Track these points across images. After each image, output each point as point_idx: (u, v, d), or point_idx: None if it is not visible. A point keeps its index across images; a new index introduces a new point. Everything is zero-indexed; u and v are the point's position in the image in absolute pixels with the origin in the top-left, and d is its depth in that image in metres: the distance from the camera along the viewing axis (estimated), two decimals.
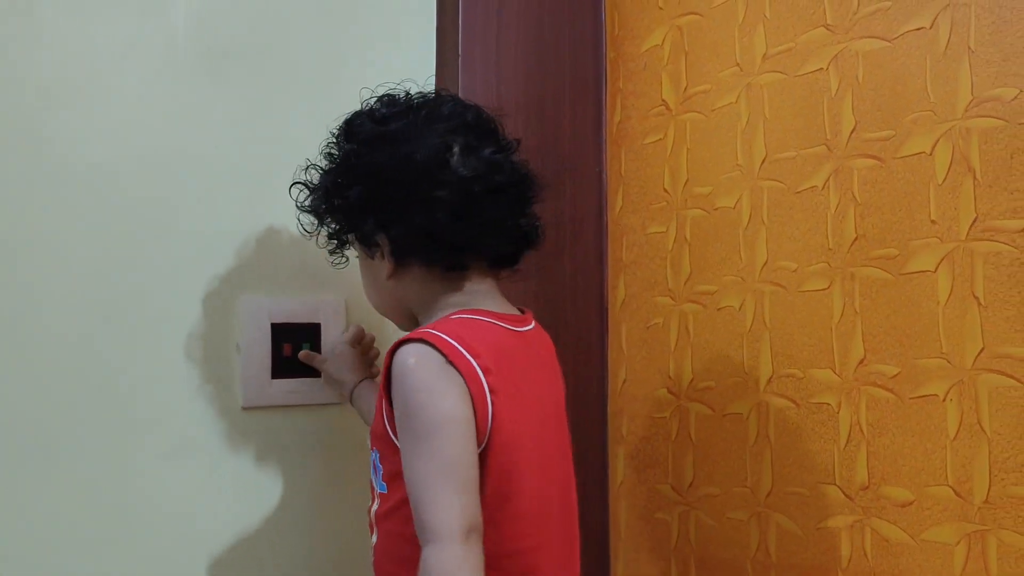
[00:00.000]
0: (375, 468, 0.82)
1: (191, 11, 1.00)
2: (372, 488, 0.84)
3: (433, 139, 0.80)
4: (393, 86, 0.87)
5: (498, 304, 0.85)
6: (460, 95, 1.15)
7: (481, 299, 0.84)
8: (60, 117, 0.92)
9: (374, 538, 0.83)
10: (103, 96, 0.95)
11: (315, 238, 0.88)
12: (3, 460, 0.89)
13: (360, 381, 1.00)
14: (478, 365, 0.76)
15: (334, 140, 0.86)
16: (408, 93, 0.87)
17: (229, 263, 1.01)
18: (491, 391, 0.76)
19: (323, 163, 0.87)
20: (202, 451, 0.98)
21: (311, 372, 1.05)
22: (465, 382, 0.75)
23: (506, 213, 0.82)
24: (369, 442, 0.84)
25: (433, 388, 0.75)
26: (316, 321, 1.06)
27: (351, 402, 0.99)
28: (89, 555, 0.92)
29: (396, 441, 0.77)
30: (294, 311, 1.05)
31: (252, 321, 1.02)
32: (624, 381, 1.23)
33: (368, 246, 0.84)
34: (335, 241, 0.88)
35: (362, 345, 1.03)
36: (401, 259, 0.83)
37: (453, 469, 0.73)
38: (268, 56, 1.05)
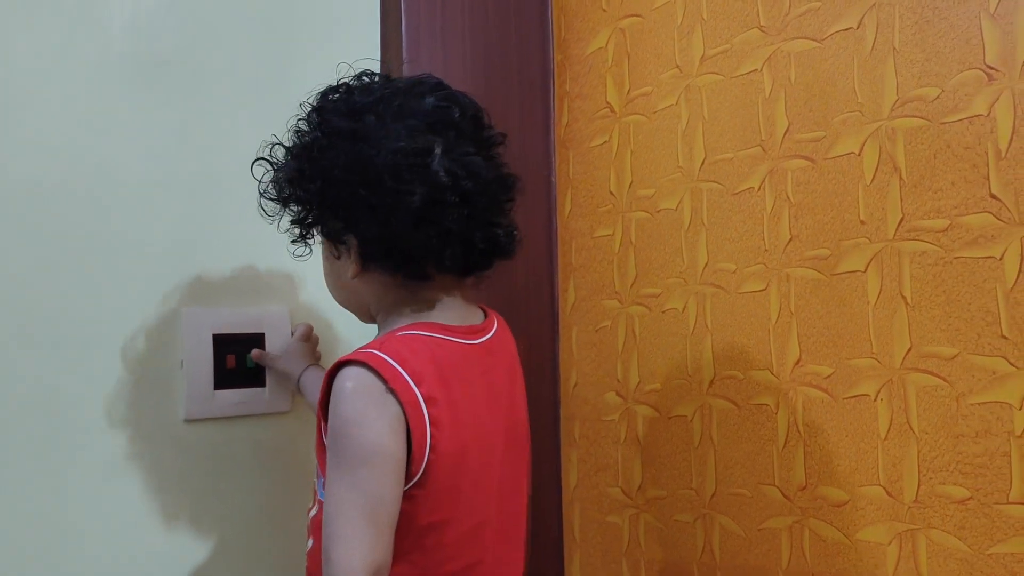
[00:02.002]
0: (318, 474, 0.81)
1: (127, 19, 0.99)
2: (315, 492, 0.83)
3: (403, 140, 0.75)
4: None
5: (458, 315, 0.82)
6: None
7: (440, 310, 0.81)
8: None
9: (309, 543, 0.82)
10: (33, 107, 0.94)
11: (277, 225, 0.83)
12: None
13: (307, 367, 1.01)
14: (421, 394, 0.73)
15: (304, 118, 0.81)
16: (388, 77, 0.82)
17: (169, 276, 1.01)
18: (432, 423, 0.73)
19: (289, 141, 0.81)
20: (142, 465, 0.98)
21: (255, 382, 1.05)
22: (404, 411, 0.72)
23: (474, 223, 0.77)
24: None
25: (365, 419, 0.72)
26: (260, 331, 1.06)
27: (299, 389, 1.01)
28: (25, 571, 0.91)
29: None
30: (237, 322, 1.05)
31: (194, 333, 1.02)
32: (575, 384, 1.23)
33: (335, 243, 0.81)
34: (299, 231, 0.82)
35: (310, 341, 1.05)
36: (365, 263, 0.79)
37: (371, 506, 0.71)
38: (207, 65, 1.04)
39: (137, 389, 0.98)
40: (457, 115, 0.78)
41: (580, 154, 1.22)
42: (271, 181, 0.82)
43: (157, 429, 0.99)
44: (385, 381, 0.72)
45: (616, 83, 1.16)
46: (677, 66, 1.07)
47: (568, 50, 1.25)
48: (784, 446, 0.93)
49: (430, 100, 0.78)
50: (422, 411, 0.73)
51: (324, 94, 0.81)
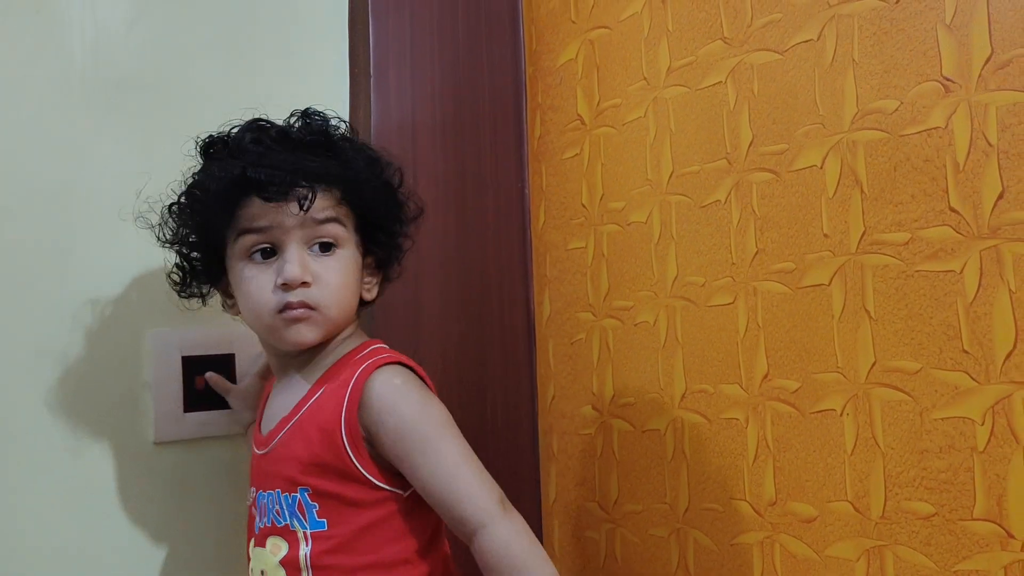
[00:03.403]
0: (302, 507, 0.79)
1: (88, 41, 0.99)
2: (284, 533, 0.80)
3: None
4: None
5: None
6: (374, 118, 1.14)
7: (359, 336, 0.89)
8: None
9: None
10: None
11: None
12: None
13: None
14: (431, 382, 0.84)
15: None
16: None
17: (134, 298, 1.00)
18: None
19: None
20: (111, 488, 0.98)
21: (225, 403, 1.04)
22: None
23: None
24: (268, 487, 0.82)
25: (427, 396, 0.81)
26: (229, 352, 1.06)
27: (247, 435, 0.99)
28: None
29: (365, 473, 0.78)
30: (205, 343, 1.04)
31: (162, 355, 1.02)
32: (553, 398, 1.22)
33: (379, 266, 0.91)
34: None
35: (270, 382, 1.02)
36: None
37: (468, 454, 0.78)
38: (170, 85, 1.04)
39: (104, 412, 0.98)
40: None
41: (553, 166, 1.22)
42: None
43: (126, 452, 0.99)
44: (420, 376, 0.83)
45: (586, 95, 1.16)
46: (644, 78, 1.07)
47: (539, 62, 1.25)
48: (754, 461, 0.92)
49: None
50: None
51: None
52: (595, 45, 1.14)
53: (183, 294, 0.89)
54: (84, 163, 0.98)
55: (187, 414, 1.02)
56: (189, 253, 0.87)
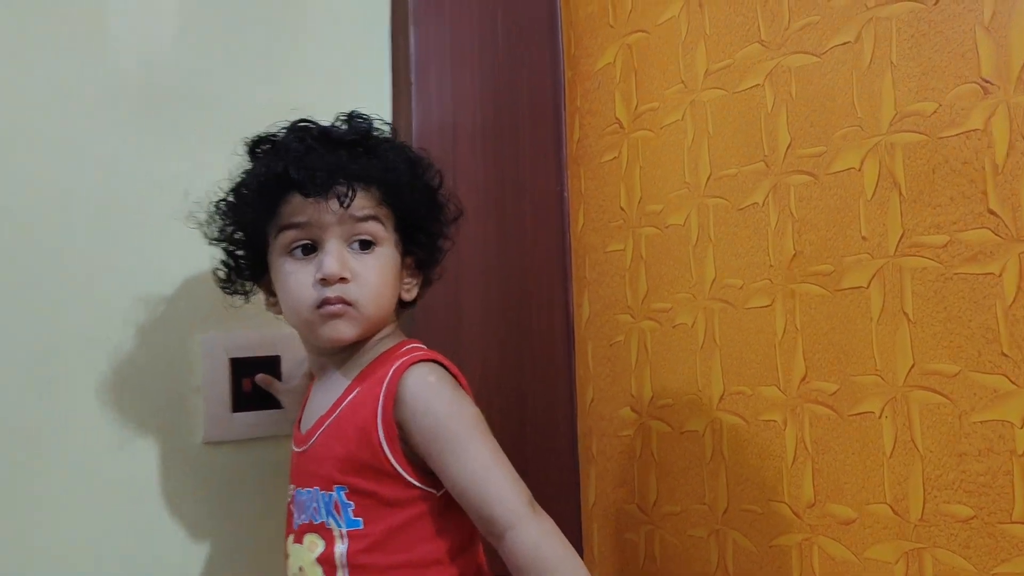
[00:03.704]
0: (338, 506, 0.81)
1: (135, 52, 1.02)
2: (320, 531, 0.82)
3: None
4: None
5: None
6: (415, 123, 1.16)
7: (396, 335, 0.90)
8: (2, 165, 0.95)
9: None
10: (47, 142, 0.97)
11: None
12: None
13: None
14: (465, 382, 0.85)
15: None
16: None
17: (184, 303, 1.03)
18: None
19: None
20: (162, 487, 1.01)
21: (272, 404, 1.07)
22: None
23: None
24: (307, 484, 0.84)
25: (460, 396, 0.82)
26: (275, 354, 1.09)
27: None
28: None
29: (400, 471, 0.79)
30: (252, 345, 1.07)
31: (211, 357, 1.05)
32: (592, 400, 1.23)
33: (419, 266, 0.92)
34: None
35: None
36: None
37: (499, 456, 0.79)
38: (216, 94, 1.07)
39: (156, 413, 1.01)
40: None
41: (591, 169, 1.23)
42: None
43: (176, 451, 1.02)
44: (453, 374, 0.83)
45: (624, 99, 1.17)
46: (682, 81, 1.07)
47: (578, 66, 1.26)
48: (793, 462, 0.93)
49: None
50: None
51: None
52: (633, 49, 1.15)
53: (227, 290, 0.92)
54: (134, 172, 1.01)
55: (235, 415, 1.05)
56: (234, 250, 0.90)
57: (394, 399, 0.79)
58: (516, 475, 0.79)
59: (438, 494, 0.81)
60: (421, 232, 0.89)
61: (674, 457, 1.08)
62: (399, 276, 0.88)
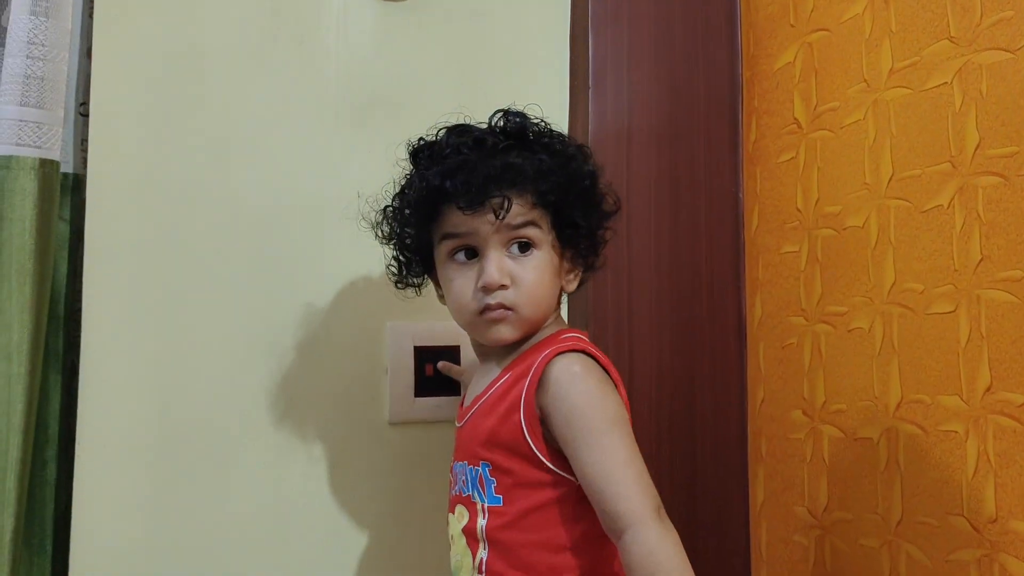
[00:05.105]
0: (482, 481, 0.86)
1: (341, 67, 1.13)
2: (467, 503, 0.87)
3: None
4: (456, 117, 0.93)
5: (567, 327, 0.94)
6: (591, 125, 1.20)
7: (555, 324, 0.93)
8: (226, 172, 1.08)
9: (482, 554, 0.85)
10: (263, 147, 1.09)
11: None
12: (190, 468, 1.05)
13: None
14: (618, 374, 0.86)
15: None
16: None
17: (376, 294, 1.13)
18: (625, 401, 0.85)
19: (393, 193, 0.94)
20: (352, 461, 1.11)
21: (451, 390, 1.14)
22: (616, 389, 0.85)
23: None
24: (460, 459, 0.90)
25: (604, 389, 0.82)
26: (456, 344, 1.16)
27: None
28: (248, 552, 1.06)
29: (537, 453, 0.82)
30: (435, 335, 1.15)
31: (398, 344, 1.13)
32: (762, 401, 1.22)
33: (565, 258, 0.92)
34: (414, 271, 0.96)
35: None
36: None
37: (634, 456, 0.79)
38: (410, 103, 1.16)
39: (348, 394, 1.11)
40: None
41: (767, 170, 1.22)
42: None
43: (365, 430, 1.12)
44: (602, 366, 0.84)
45: (803, 99, 1.15)
46: (864, 80, 1.05)
47: (757, 66, 1.25)
48: (973, 475, 0.89)
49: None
50: (623, 390, 0.86)
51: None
52: (814, 48, 1.13)
53: (399, 286, 0.97)
54: (337, 176, 1.12)
55: (417, 398, 1.13)
56: (403, 250, 0.95)
57: (538, 384, 0.82)
58: (648, 479, 0.79)
59: (575, 481, 0.83)
60: (579, 227, 0.91)
61: (846, 463, 1.06)
62: (559, 273, 0.90)
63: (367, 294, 1.12)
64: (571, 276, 0.93)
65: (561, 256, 0.91)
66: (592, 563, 0.84)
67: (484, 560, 0.85)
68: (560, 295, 0.93)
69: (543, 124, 0.91)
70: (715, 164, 1.27)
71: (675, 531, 0.77)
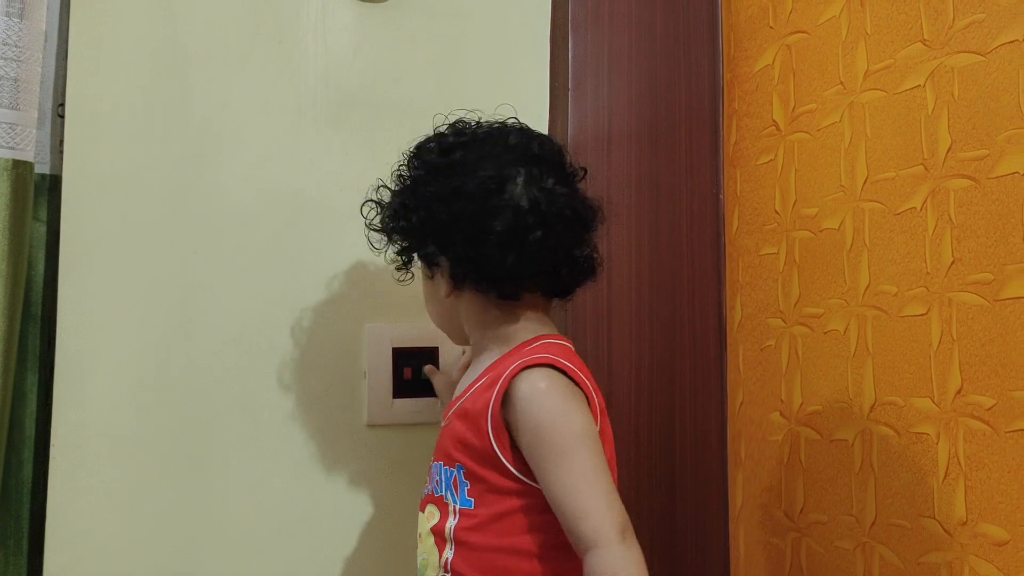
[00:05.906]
0: (456, 483, 0.87)
1: (319, 65, 1.13)
2: (439, 503, 0.88)
3: (490, 170, 0.84)
4: (465, 113, 0.93)
5: (552, 331, 0.91)
6: (571, 129, 1.20)
7: (536, 327, 0.89)
8: (204, 172, 1.08)
9: (448, 554, 0.86)
10: (242, 147, 1.09)
11: (383, 255, 0.95)
12: (166, 469, 1.05)
13: None
14: (590, 386, 0.84)
15: (404, 163, 0.92)
16: (479, 122, 0.92)
17: (355, 294, 1.13)
18: (600, 411, 0.84)
19: (393, 184, 0.93)
20: (329, 464, 1.11)
21: (429, 392, 1.14)
22: (587, 401, 0.83)
23: (559, 245, 0.85)
24: (438, 459, 0.90)
25: (570, 405, 0.81)
26: (434, 345, 1.16)
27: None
28: (225, 553, 1.06)
29: (505, 462, 0.83)
30: (413, 336, 1.15)
31: (376, 346, 1.13)
32: (741, 403, 1.22)
33: (429, 265, 0.91)
34: (401, 259, 0.94)
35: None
36: (458, 283, 0.88)
37: (599, 474, 0.78)
38: (388, 103, 1.15)
39: (326, 396, 1.11)
40: (537, 150, 0.87)
41: (747, 172, 1.22)
42: (381, 217, 0.93)
43: (343, 432, 1.12)
44: (570, 378, 0.82)
45: (782, 101, 1.15)
46: (841, 82, 1.05)
47: (737, 68, 1.25)
48: (944, 478, 0.89)
49: (516, 136, 0.88)
50: (595, 402, 0.84)
51: (419, 144, 0.92)
52: (792, 50, 1.14)
53: (402, 269, 0.96)
54: (313, 174, 1.12)
55: (396, 400, 1.13)
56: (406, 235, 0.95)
57: (503, 399, 0.82)
58: (615, 497, 0.78)
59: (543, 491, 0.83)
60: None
61: (822, 465, 1.06)
62: (435, 290, 0.94)
63: (346, 296, 1.12)
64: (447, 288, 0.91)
65: (431, 276, 0.93)
66: (556, 572, 0.83)
67: (449, 560, 0.86)
68: (467, 306, 0.91)
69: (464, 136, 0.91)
70: (696, 166, 1.27)
71: (640, 552, 0.76)
